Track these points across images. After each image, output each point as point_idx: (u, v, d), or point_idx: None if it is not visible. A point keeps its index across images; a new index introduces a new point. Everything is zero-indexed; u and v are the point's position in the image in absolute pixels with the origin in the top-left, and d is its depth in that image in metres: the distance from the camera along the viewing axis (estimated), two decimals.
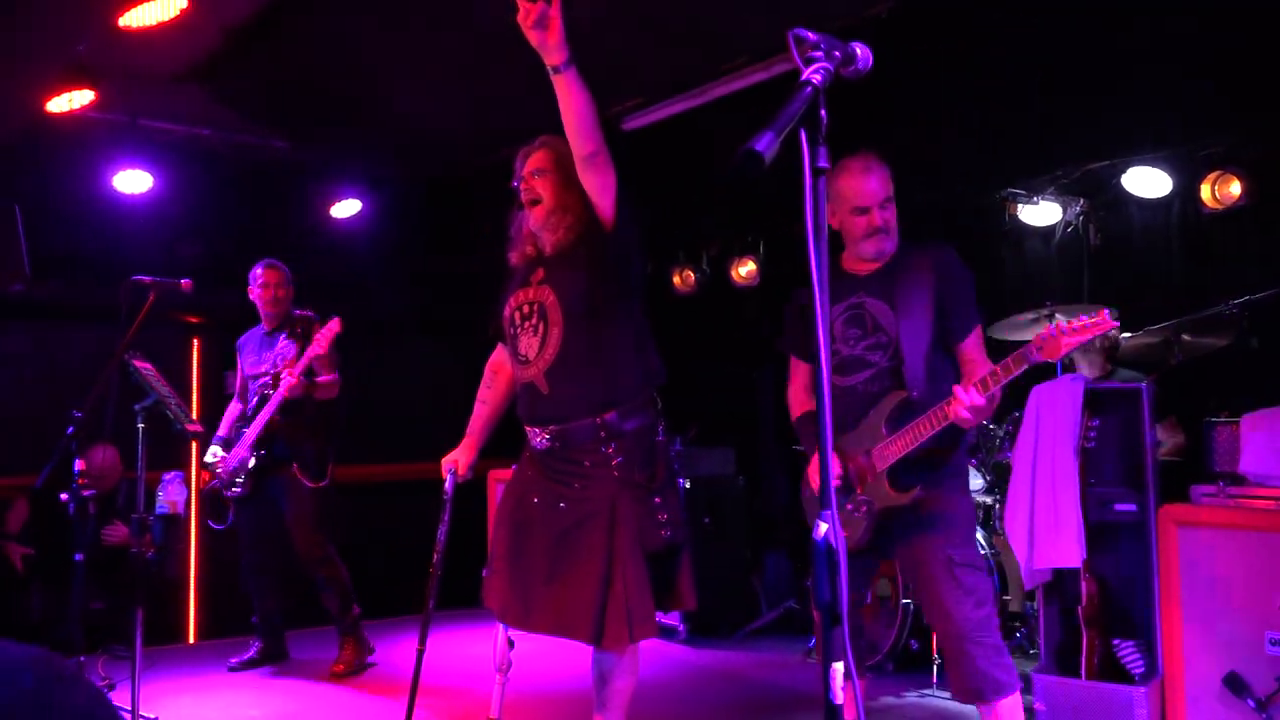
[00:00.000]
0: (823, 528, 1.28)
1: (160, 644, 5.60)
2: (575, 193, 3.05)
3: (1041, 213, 5.55)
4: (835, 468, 2.81)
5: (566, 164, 3.01)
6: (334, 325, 4.73)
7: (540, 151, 3.13)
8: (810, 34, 1.62)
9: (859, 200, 2.88)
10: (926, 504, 2.81)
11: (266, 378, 4.93)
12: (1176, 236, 5.15)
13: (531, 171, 3.10)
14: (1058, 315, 4.44)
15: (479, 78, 4.74)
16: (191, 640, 6.23)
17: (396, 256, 6.53)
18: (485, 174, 5.67)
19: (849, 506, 2.85)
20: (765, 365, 6.92)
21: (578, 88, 2.78)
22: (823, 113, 1.33)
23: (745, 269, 6.47)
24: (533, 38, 2.69)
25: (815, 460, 2.91)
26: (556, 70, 2.73)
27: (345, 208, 6.02)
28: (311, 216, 6.08)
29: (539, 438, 3.13)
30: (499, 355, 3.45)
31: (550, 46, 2.70)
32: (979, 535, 4.49)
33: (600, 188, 2.98)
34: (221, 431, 5.08)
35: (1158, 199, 5.09)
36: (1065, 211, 5.56)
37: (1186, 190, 4.87)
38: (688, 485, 5.55)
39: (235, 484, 4.86)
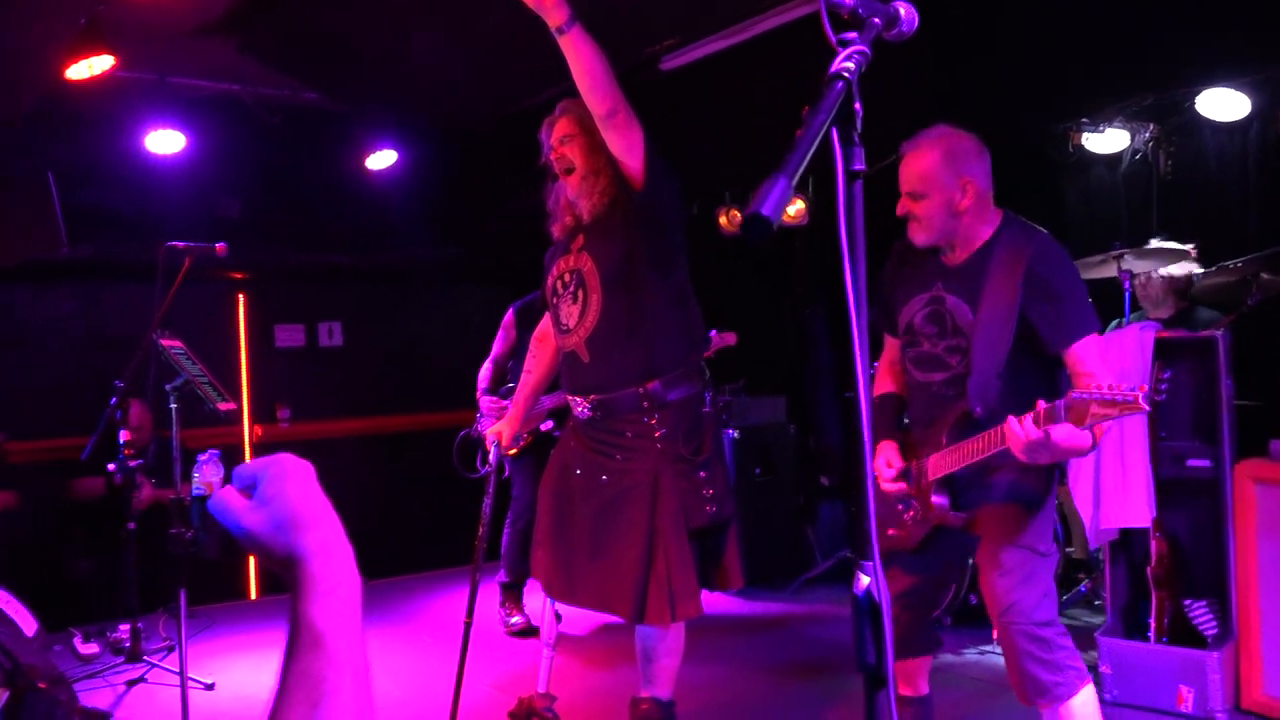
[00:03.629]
0: (864, 580, 1.14)
1: (221, 601, 5.67)
2: (605, 154, 2.94)
3: (1107, 140, 5.23)
4: (896, 465, 2.66)
5: (592, 126, 2.89)
6: None
7: (564, 119, 3.03)
8: None
9: (899, 179, 2.65)
10: (981, 515, 2.63)
11: None
12: (1254, 164, 4.81)
13: (559, 139, 3.01)
14: (1127, 257, 4.20)
15: (510, 23, 4.54)
16: (253, 596, 6.32)
17: (432, 206, 6.41)
18: (520, 120, 5.50)
19: (899, 507, 2.68)
20: (816, 306, 6.74)
21: (585, 46, 2.64)
22: (857, 105, 1.16)
23: (794, 208, 6.23)
24: (528, 0, 2.54)
25: (881, 450, 2.73)
26: (560, 31, 2.60)
27: (381, 159, 5.88)
28: (346, 168, 5.97)
29: (581, 407, 3.07)
30: (544, 325, 3.38)
31: (548, 7, 2.57)
32: None
33: (626, 147, 2.85)
34: (484, 384, 4.85)
35: (1234, 123, 4.75)
36: (1133, 138, 5.23)
37: (1266, 113, 4.52)
38: (737, 436, 5.43)
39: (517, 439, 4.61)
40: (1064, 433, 2.26)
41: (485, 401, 4.75)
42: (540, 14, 2.58)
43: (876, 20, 1.42)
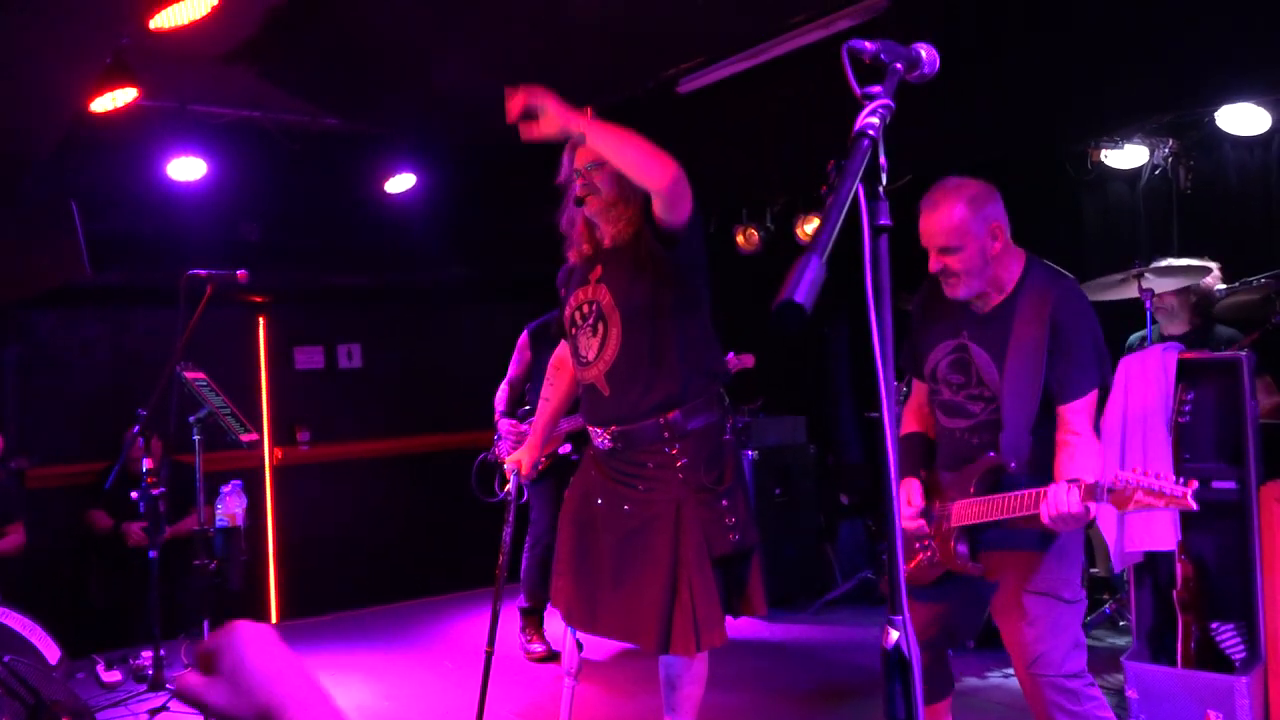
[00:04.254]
0: (893, 635, 1.14)
1: None
2: (632, 185, 2.89)
3: (1126, 156, 5.22)
4: (916, 504, 2.64)
5: None
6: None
7: (585, 146, 2.96)
8: (868, 44, 1.43)
9: (922, 238, 2.62)
10: (1002, 560, 2.61)
11: None
12: (1276, 179, 4.78)
13: (587, 165, 2.94)
14: (1147, 275, 4.17)
15: (524, 43, 4.57)
16: (274, 621, 6.33)
17: (450, 227, 6.44)
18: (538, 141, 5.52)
19: (916, 545, 2.66)
20: (837, 322, 6.72)
21: (614, 137, 2.65)
22: (883, 160, 1.16)
23: (811, 225, 6.24)
24: (539, 131, 2.58)
25: (902, 487, 2.71)
26: (582, 139, 2.63)
27: (399, 182, 5.92)
28: (365, 192, 6.01)
29: (601, 438, 3.06)
30: (561, 351, 3.37)
31: (559, 127, 2.59)
32: None
33: (678, 212, 2.82)
34: (501, 406, 4.90)
35: (1254, 137, 4.72)
36: (1152, 154, 5.22)
37: None
38: (757, 456, 5.42)
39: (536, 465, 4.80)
40: (1094, 508, 2.28)
41: (503, 425, 4.76)
42: (556, 136, 2.63)
43: (899, 66, 1.43)
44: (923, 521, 2.62)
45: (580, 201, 2.98)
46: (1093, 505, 2.25)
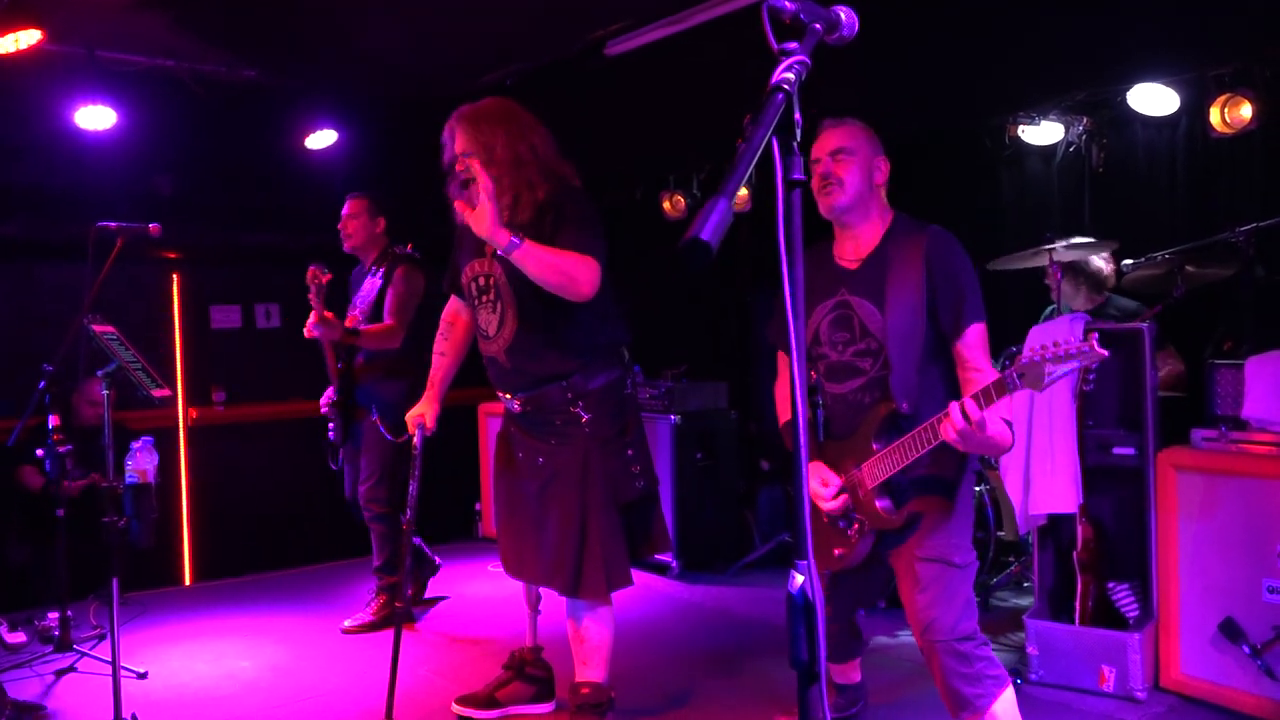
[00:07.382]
0: (798, 579, 1.17)
1: (155, 587, 5.58)
2: (511, 172, 2.97)
3: (1043, 133, 5.34)
4: (834, 482, 2.61)
5: (491, 142, 2.96)
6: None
7: (459, 132, 3.03)
8: (788, 4, 1.45)
9: (815, 153, 2.65)
10: (920, 503, 2.60)
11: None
12: (1182, 159, 4.94)
13: (461, 153, 3.02)
14: (1058, 244, 4.28)
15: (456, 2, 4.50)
16: (187, 582, 6.22)
17: (371, 186, 6.32)
18: (462, 99, 5.45)
19: (841, 524, 2.62)
20: (760, 288, 6.78)
21: (536, 261, 2.86)
22: (797, 115, 1.18)
23: (739, 192, 6.26)
24: (472, 220, 2.84)
25: (812, 471, 2.66)
26: (508, 251, 2.85)
27: (320, 138, 5.80)
28: (284, 147, 5.86)
29: (510, 403, 3.22)
30: (454, 305, 3.48)
31: (487, 230, 2.82)
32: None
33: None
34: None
35: (1163, 118, 4.87)
36: (1067, 131, 5.35)
37: (1194, 108, 4.64)
38: (679, 421, 5.46)
39: (329, 428, 4.75)
40: (996, 419, 2.28)
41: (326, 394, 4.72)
42: (491, 241, 2.85)
43: (818, 26, 1.44)
44: (846, 496, 2.59)
45: (466, 185, 2.99)
46: (990, 419, 2.24)
